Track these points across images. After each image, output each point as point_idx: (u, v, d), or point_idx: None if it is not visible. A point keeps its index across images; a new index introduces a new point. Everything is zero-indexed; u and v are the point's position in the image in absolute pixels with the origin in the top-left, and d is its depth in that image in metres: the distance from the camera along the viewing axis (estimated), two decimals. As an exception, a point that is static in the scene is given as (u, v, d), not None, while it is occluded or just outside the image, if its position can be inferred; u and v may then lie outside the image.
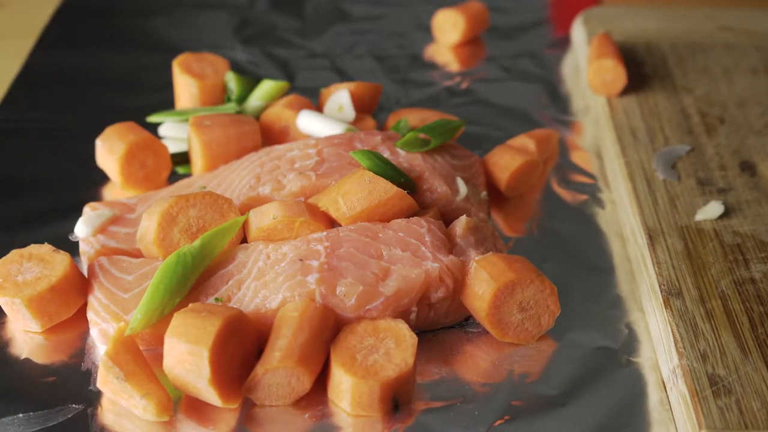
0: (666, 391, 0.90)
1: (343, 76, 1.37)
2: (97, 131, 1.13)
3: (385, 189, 0.97)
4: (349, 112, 1.18)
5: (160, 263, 0.95)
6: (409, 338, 0.87)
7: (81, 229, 1.00)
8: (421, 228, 0.96)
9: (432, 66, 1.41)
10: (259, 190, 1.02)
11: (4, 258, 0.95)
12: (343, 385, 0.85)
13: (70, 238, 1.05)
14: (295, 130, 1.15)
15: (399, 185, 0.99)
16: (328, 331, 0.88)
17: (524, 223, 1.10)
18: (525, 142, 1.16)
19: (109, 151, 1.10)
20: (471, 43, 1.46)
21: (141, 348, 0.89)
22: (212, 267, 0.94)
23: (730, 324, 0.91)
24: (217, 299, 0.92)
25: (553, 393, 0.89)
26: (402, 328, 0.88)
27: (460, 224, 0.98)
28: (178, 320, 0.85)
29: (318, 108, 1.21)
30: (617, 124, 1.20)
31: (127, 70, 1.38)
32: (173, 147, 1.17)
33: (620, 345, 0.94)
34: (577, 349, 0.94)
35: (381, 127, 1.22)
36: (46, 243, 0.97)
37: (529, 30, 1.51)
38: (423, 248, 0.94)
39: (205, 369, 0.82)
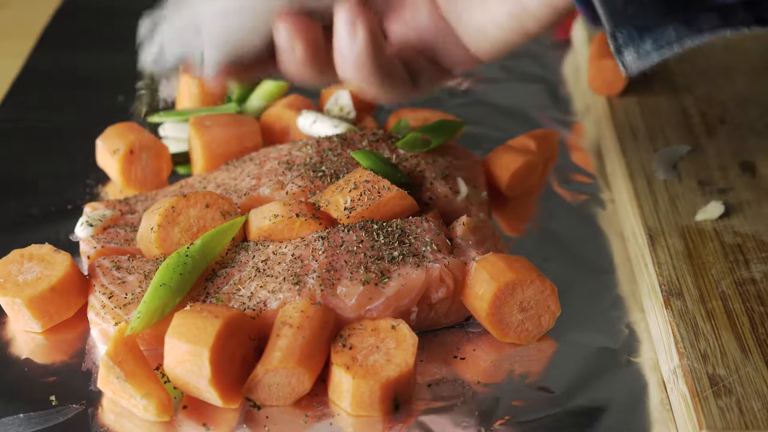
0: (666, 392, 0.89)
1: (344, 76, 1.36)
2: (97, 131, 1.13)
3: (386, 189, 0.97)
4: (350, 112, 1.18)
5: (160, 263, 0.95)
6: (410, 338, 0.87)
7: (81, 229, 1.00)
8: (422, 228, 0.96)
9: (432, 66, 1.40)
10: (259, 190, 1.02)
11: (4, 258, 0.95)
12: (343, 385, 0.85)
13: (70, 238, 1.05)
14: (295, 130, 1.15)
15: (399, 185, 0.99)
16: (329, 331, 0.88)
17: (524, 223, 1.10)
18: (525, 142, 1.15)
19: (110, 151, 1.10)
20: (471, 43, 1.46)
21: (141, 348, 0.89)
22: (212, 267, 0.94)
23: (730, 324, 0.91)
24: (217, 299, 0.92)
25: (553, 393, 0.89)
26: (402, 328, 0.88)
27: (461, 224, 0.98)
28: (178, 320, 0.85)
29: (318, 108, 1.20)
30: (618, 124, 1.20)
31: (127, 70, 1.38)
32: (174, 147, 1.17)
33: (620, 345, 0.94)
34: (577, 349, 0.94)
35: (381, 127, 1.22)
36: (46, 243, 0.97)
37: (530, 30, 1.51)
38: (423, 248, 0.94)
39: (206, 369, 0.82)
